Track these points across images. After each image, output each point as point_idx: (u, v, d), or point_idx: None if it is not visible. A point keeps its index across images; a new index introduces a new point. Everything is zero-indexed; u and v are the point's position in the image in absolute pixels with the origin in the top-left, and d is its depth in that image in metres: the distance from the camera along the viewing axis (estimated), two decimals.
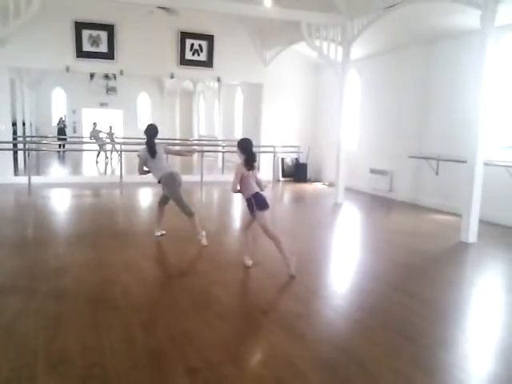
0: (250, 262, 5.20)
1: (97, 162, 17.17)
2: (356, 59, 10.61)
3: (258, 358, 3.35)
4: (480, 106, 6.43)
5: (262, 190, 5.13)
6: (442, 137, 9.27)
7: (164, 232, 6.46)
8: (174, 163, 13.35)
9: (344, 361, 3.20)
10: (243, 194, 5.07)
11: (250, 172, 5.00)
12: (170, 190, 6.16)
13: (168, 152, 6.67)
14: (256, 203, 4.95)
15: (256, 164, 5.14)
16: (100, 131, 17.70)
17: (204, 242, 6.01)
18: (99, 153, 17.43)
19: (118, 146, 14.29)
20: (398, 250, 6.35)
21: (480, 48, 6.38)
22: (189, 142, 18.94)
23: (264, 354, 3.38)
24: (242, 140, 5.15)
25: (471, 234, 6.67)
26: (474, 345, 3.60)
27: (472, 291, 4.93)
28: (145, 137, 6.17)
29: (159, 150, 6.18)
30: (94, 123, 17.99)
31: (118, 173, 10.96)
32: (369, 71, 11.54)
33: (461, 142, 8.30)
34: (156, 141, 6.18)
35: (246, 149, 5.02)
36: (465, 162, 6.97)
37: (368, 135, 11.64)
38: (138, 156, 6.20)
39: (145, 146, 6.14)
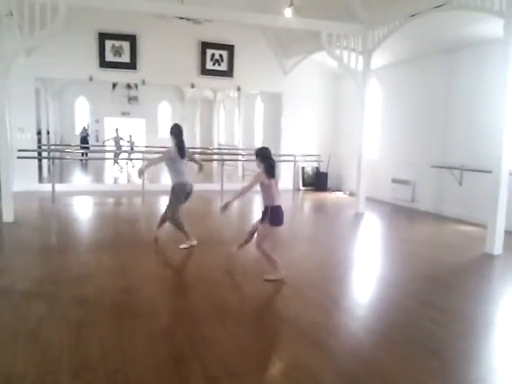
0: (283, 273, 5.05)
1: (118, 168, 17.46)
2: (377, 68, 10.57)
3: (278, 367, 3.32)
4: (504, 116, 6.31)
5: None
6: (465, 146, 9.14)
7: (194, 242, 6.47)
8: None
9: (366, 373, 3.15)
10: (264, 202, 5.00)
11: (272, 181, 4.93)
12: (176, 198, 6.27)
13: (192, 158, 6.73)
14: (271, 215, 4.89)
15: (276, 172, 5.08)
16: (122, 138, 18.02)
17: (183, 246, 6.30)
18: (116, 161, 17.71)
19: (138, 155, 14.43)
20: (421, 260, 6.25)
21: (503, 57, 6.29)
22: (209, 151, 19.05)
23: (285, 363, 3.36)
24: (260, 149, 5.08)
25: (496, 245, 6.53)
26: (500, 359, 3.52)
27: (498, 304, 4.83)
28: (173, 138, 6.27)
29: (187, 152, 6.32)
30: (117, 129, 18.35)
31: (139, 181, 11.08)
32: (390, 80, 11.47)
33: (484, 152, 8.20)
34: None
35: (266, 157, 4.95)
36: (489, 171, 6.85)
37: (389, 144, 11.55)
38: (163, 153, 6.32)
39: (174, 146, 6.23)
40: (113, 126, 18.97)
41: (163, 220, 6.61)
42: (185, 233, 6.37)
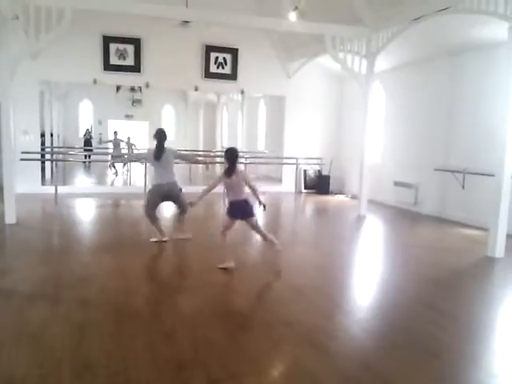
0: (230, 265, 5.42)
1: (114, 172, 17.25)
2: (380, 71, 10.56)
3: (280, 370, 3.32)
4: (508, 119, 6.30)
5: (257, 197, 5.42)
6: (468, 150, 9.12)
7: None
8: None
9: (368, 376, 3.15)
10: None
11: (232, 179, 5.31)
12: (151, 198, 6.61)
13: (182, 158, 6.98)
14: (229, 208, 5.45)
15: (235, 173, 5.34)
16: (121, 140, 17.69)
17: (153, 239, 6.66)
18: (112, 165, 17.38)
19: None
20: (423, 264, 6.24)
21: (507, 60, 6.30)
22: (211, 154, 19.04)
23: (287, 367, 3.36)
24: (226, 150, 5.50)
25: (498, 248, 6.52)
26: (501, 363, 3.50)
27: (499, 307, 4.82)
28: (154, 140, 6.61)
29: (167, 155, 6.53)
30: (115, 132, 17.96)
31: (141, 184, 11.12)
32: (393, 83, 11.47)
33: (487, 155, 8.19)
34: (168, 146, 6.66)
35: (227, 158, 5.40)
36: (492, 175, 6.84)
37: (392, 147, 11.55)
38: (148, 150, 6.68)
39: (154, 148, 6.56)
40: (116, 129, 18.65)
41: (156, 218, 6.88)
42: (157, 228, 6.71)
